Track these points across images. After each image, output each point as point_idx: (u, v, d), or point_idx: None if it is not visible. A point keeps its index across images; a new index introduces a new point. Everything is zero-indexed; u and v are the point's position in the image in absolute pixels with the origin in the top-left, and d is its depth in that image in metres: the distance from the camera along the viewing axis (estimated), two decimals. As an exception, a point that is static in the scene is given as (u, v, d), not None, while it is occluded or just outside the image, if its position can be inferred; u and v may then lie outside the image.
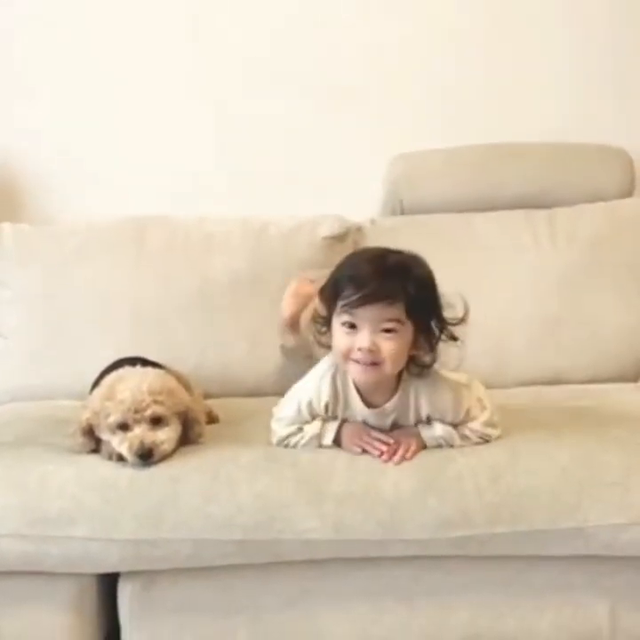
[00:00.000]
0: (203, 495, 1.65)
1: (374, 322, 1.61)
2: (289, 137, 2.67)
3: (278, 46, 2.66)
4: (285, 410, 1.77)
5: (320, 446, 1.74)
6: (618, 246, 2.37)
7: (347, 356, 1.64)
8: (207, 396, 2.12)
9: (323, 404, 1.73)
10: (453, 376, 1.75)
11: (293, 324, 2.08)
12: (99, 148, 2.69)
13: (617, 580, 1.72)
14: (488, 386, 2.20)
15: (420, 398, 1.71)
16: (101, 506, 1.65)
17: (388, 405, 1.72)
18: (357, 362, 1.63)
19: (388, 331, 1.61)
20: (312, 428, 1.74)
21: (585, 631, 1.74)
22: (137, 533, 1.64)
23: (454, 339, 1.67)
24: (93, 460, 1.74)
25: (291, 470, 1.68)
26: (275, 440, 1.77)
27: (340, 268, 1.68)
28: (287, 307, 2.11)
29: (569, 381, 2.27)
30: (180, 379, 1.90)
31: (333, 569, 1.72)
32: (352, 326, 1.62)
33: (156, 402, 1.72)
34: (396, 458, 1.68)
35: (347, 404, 1.74)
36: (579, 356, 2.29)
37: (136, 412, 1.71)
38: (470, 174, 2.52)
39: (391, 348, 1.61)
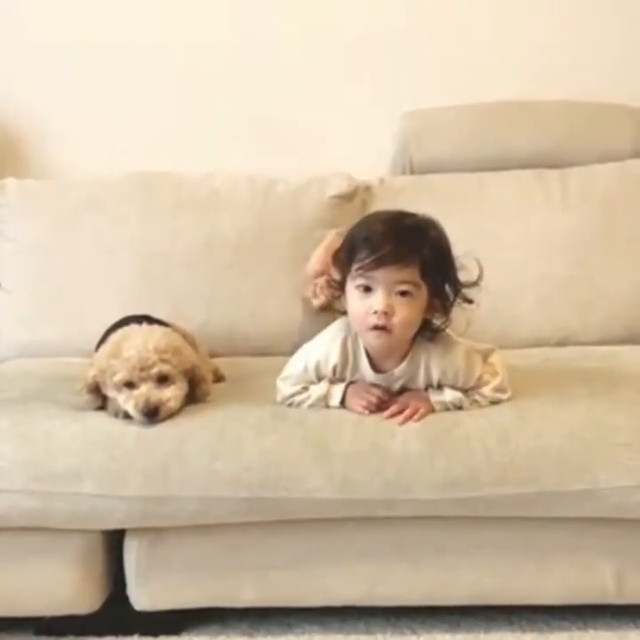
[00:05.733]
0: (209, 453, 1.65)
1: (389, 284, 1.59)
2: (297, 94, 2.65)
3: (287, 2, 2.64)
4: (292, 368, 1.76)
5: (327, 407, 1.73)
6: (630, 206, 2.35)
7: (362, 322, 1.62)
8: (213, 354, 2.11)
9: (331, 366, 1.71)
10: (468, 343, 1.74)
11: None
12: (104, 102, 2.67)
13: (624, 542, 1.72)
14: (497, 346, 2.20)
15: (431, 363, 1.70)
16: (108, 462, 1.65)
17: (397, 370, 1.71)
18: (372, 328, 1.61)
19: (403, 293, 1.60)
20: (319, 389, 1.73)
21: (591, 593, 1.74)
22: (143, 490, 1.65)
23: (469, 301, 1.66)
24: (100, 417, 1.74)
25: (298, 429, 1.68)
26: (279, 398, 1.76)
27: (353, 231, 1.67)
28: (316, 262, 2.08)
29: (579, 342, 2.26)
30: (185, 337, 1.89)
31: (340, 528, 1.72)
32: (367, 289, 1.61)
33: (162, 360, 1.72)
34: (401, 418, 1.68)
35: (355, 368, 1.72)
36: (589, 316, 2.27)
37: (142, 370, 1.70)
38: (481, 132, 2.49)
39: (405, 311, 1.60)
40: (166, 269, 2.30)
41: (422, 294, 1.62)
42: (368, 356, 1.71)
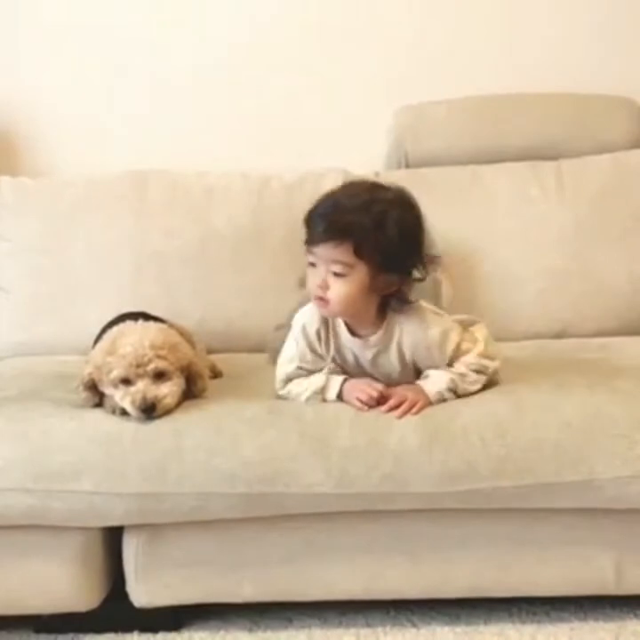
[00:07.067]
0: (207, 449, 1.65)
1: (326, 261, 1.65)
2: (291, 90, 2.64)
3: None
4: (285, 347, 1.79)
5: (323, 401, 1.73)
6: (625, 197, 2.34)
7: (312, 294, 1.69)
8: (210, 351, 2.11)
9: (314, 328, 1.74)
10: (448, 318, 1.77)
11: None
12: (98, 101, 2.66)
13: (622, 533, 1.72)
14: (495, 339, 2.20)
15: (404, 335, 1.72)
16: (105, 460, 1.65)
17: (373, 338, 1.73)
18: (315, 298, 1.68)
19: (335, 273, 1.64)
20: (316, 381, 1.74)
21: (590, 584, 1.75)
22: (141, 487, 1.65)
23: (419, 280, 1.70)
24: (97, 414, 1.74)
25: (295, 423, 1.68)
26: (277, 384, 1.77)
27: (317, 200, 1.71)
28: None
29: (575, 334, 2.26)
30: (182, 333, 1.89)
31: (338, 522, 1.72)
32: (313, 265, 1.67)
33: (158, 356, 1.71)
34: (399, 411, 1.67)
35: (336, 333, 1.75)
36: (585, 308, 2.27)
37: (138, 366, 1.70)
38: (476, 126, 2.49)
39: (337, 290, 1.64)
40: (162, 267, 2.30)
41: (359, 272, 1.64)
42: (345, 321, 1.74)
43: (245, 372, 2.01)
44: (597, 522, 1.72)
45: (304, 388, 1.74)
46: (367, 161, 2.50)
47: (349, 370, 1.77)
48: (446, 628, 1.76)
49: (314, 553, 1.74)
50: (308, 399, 1.73)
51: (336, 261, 1.63)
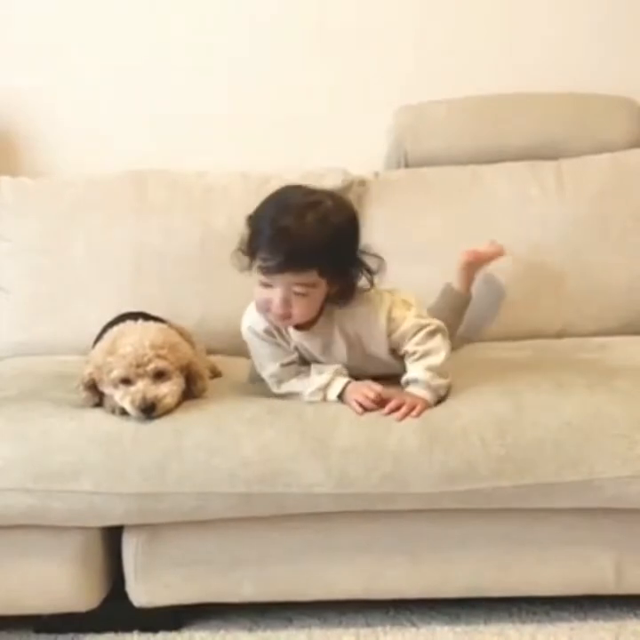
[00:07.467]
0: (206, 448, 1.65)
1: (286, 285, 1.66)
2: (292, 89, 2.64)
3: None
4: (253, 358, 1.84)
5: (324, 399, 1.74)
6: (625, 197, 2.34)
7: (264, 307, 1.71)
8: (210, 351, 2.11)
9: (261, 328, 1.78)
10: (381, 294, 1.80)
11: None
12: (98, 101, 2.66)
13: (622, 533, 1.72)
14: (494, 338, 2.20)
15: (343, 318, 1.76)
16: (105, 460, 1.65)
17: (314, 328, 1.77)
18: (273, 315, 1.70)
19: (298, 294, 1.66)
20: (320, 379, 1.75)
21: (590, 583, 1.74)
22: (141, 487, 1.64)
23: (371, 273, 1.73)
24: (97, 414, 1.74)
25: (295, 423, 1.68)
26: (272, 388, 1.80)
27: (258, 219, 1.71)
28: (456, 281, 2.18)
29: (575, 334, 2.25)
30: (182, 333, 1.89)
31: (338, 522, 1.72)
32: (267, 285, 1.68)
33: (158, 356, 1.72)
34: (399, 414, 1.67)
35: (281, 331, 1.79)
36: (584, 308, 2.27)
37: (138, 366, 1.70)
38: (475, 126, 2.49)
39: (301, 308, 1.68)
40: (161, 267, 2.30)
41: (321, 287, 1.69)
42: None
43: (245, 372, 2.00)
44: (597, 521, 1.72)
45: (308, 384, 1.76)
46: (367, 161, 2.51)
47: (309, 359, 1.81)
48: (446, 628, 1.76)
49: (314, 553, 1.74)
50: (311, 394, 1.75)
51: (300, 285, 1.66)
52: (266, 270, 1.66)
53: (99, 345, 1.79)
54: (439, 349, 1.74)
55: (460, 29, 2.63)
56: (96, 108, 2.66)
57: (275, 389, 1.79)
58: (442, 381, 1.72)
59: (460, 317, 2.14)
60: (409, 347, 1.75)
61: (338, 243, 1.66)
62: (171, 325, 1.88)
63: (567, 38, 2.63)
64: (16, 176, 2.46)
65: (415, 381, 1.72)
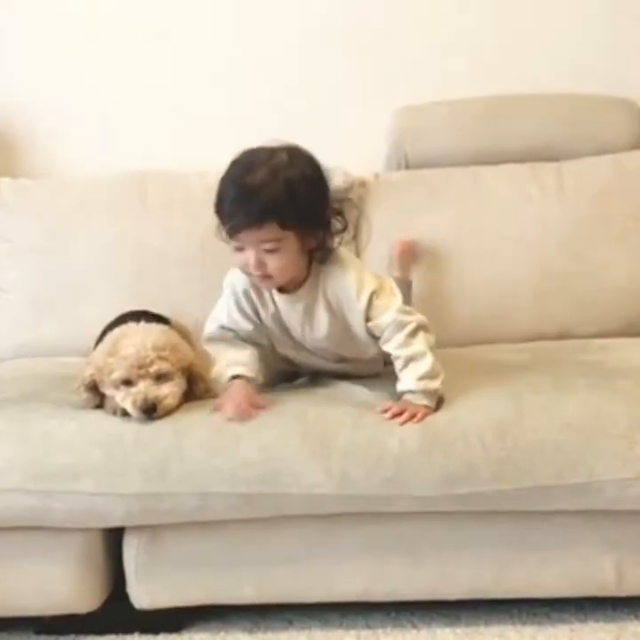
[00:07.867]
0: (208, 449, 1.65)
1: (254, 243, 1.68)
2: (292, 90, 2.64)
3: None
4: (216, 305, 1.84)
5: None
6: (625, 198, 2.34)
7: (245, 271, 1.73)
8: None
9: (241, 288, 1.79)
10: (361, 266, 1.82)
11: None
12: (98, 101, 2.66)
13: (623, 535, 1.72)
14: (494, 340, 2.19)
15: (327, 281, 1.77)
16: (106, 460, 1.65)
17: (300, 291, 1.78)
18: (255, 277, 1.72)
19: (267, 250, 1.67)
20: (224, 371, 1.79)
21: (591, 585, 1.74)
22: (142, 487, 1.64)
23: (343, 226, 1.76)
24: (98, 415, 1.74)
25: (296, 424, 1.68)
26: (203, 341, 1.84)
27: (219, 185, 1.72)
28: (396, 269, 2.25)
29: (575, 335, 2.25)
30: (184, 333, 1.89)
31: (339, 523, 1.72)
32: (239, 248, 1.70)
33: (160, 358, 1.72)
34: (401, 419, 1.67)
35: (262, 294, 1.80)
36: (585, 309, 2.27)
37: (140, 368, 1.70)
38: (475, 127, 2.49)
39: (275, 263, 1.69)
40: (162, 267, 2.31)
41: (288, 242, 1.69)
42: None
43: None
44: (598, 523, 1.72)
45: (222, 357, 1.80)
46: (367, 162, 2.50)
47: (276, 339, 1.83)
48: (447, 630, 1.76)
49: (314, 554, 1.74)
50: (218, 369, 1.79)
51: (265, 241, 1.67)
52: (231, 232, 1.68)
53: (100, 346, 1.79)
54: (423, 353, 1.71)
55: (461, 30, 2.63)
56: (96, 108, 2.65)
57: (204, 341, 1.83)
58: (436, 383, 1.71)
59: (408, 300, 2.09)
60: (391, 349, 1.74)
61: (291, 195, 1.66)
62: (174, 324, 1.88)
63: (567, 39, 2.63)
64: (16, 177, 2.47)
65: (411, 393, 1.71)
